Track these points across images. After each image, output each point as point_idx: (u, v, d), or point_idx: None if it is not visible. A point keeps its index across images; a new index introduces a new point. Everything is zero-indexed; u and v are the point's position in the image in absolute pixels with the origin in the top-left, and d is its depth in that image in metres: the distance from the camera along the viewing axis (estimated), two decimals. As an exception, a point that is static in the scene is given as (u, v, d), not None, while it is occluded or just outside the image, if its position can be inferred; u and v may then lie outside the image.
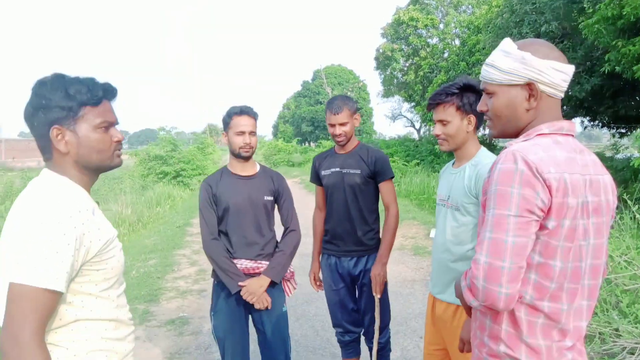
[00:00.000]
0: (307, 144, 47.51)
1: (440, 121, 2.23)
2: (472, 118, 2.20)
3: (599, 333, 3.33)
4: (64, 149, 1.38)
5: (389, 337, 3.10)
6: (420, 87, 22.14)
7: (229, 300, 2.67)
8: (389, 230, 2.92)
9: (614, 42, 8.10)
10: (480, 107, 1.50)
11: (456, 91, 2.17)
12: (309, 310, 4.89)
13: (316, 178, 3.17)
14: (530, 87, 1.35)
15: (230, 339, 2.69)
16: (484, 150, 2.26)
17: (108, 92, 1.44)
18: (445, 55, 21.75)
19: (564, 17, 10.27)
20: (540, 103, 1.36)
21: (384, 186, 2.98)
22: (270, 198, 2.76)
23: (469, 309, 1.50)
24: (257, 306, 2.60)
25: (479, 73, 1.51)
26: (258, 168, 2.83)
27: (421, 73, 22.00)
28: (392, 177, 3.00)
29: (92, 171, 1.45)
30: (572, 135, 1.38)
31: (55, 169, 1.41)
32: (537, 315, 1.30)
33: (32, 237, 1.22)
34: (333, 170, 3.03)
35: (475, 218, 2.12)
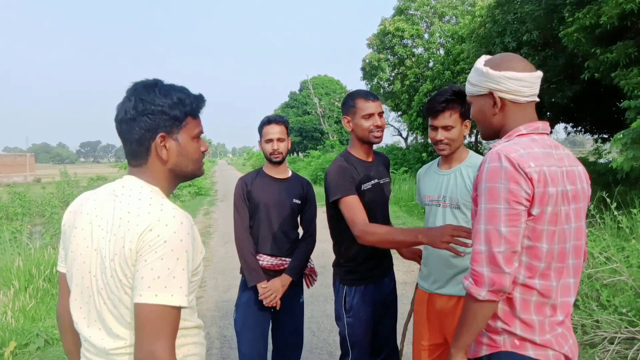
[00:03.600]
0: (295, 154, 47.67)
1: (445, 127, 2.32)
2: (468, 123, 2.35)
3: (581, 325, 3.51)
4: (165, 156, 1.37)
5: None
6: (407, 96, 22.45)
7: (252, 297, 2.85)
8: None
9: (592, 50, 8.41)
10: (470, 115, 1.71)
11: (454, 97, 2.30)
12: (304, 313, 5.02)
13: (354, 187, 2.44)
14: (492, 95, 1.55)
15: (248, 333, 2.86)
16: (473, 153, 2.44)
17: (203, 104, 1.47)
18: (431, 64, 22.13)
19: (545, 26, 10.60)
20: (505, 108, 1.55)
21: None
22: (298, 202, 2.95)
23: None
24: (265, 302, 2.77)
25: (464, 81, 1.74)
26: (290, 173, 3.04)
27: (407, 82, 22.32)
28: None
29: (180, 180, 1.46)
30: (547, 134, 1.56)
31: (144, 177, 1.38)
32: (531, 293, 1.47)
33: (159, 256, 1.22)
34: (373, 182, 2.55)
35: None
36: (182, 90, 1.41)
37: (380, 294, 2.62)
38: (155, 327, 1.20)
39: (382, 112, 2.54)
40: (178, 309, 1.24)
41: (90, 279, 1.33)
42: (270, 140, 2.87)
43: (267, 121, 2.91)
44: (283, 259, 2.88)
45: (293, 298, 2.93)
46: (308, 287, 3.12)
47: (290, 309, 2.94)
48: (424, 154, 17.52)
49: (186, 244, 1.26)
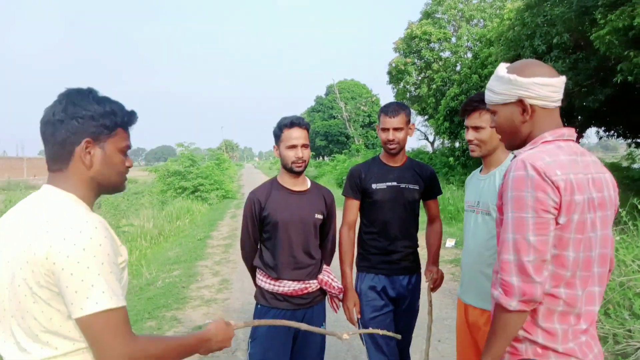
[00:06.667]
0: (321, 158, 47.77)
1: (475, 127, 2.31)
2: None
3: (613, 334, 3.44)
4: (89, 162, 1.36)
5: None
6: (433, 100, 22.28)
7: (271, 327, 2.45)
8: (439, 237, 2.96)
9: (625, 53, 8.19)
10: (490, 124, 1.69)
11: None
12: (329, 317, 5.03)
13: (357, 191, 2.85)
14: (521, 103, 1.53)
15: None
16: (512, 156, 2.35)
17: (135, 119, 1.48)
18: (458, 68, 21.92)
19: (576, 28, 10.38)
20: (535, 115, 1.53)
21: (434, 202, 2.95)
22: (321, 217, 2.63)
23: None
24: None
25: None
26: (309, 184, 2.69)
27: (434, 86, 22.16)
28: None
29: (101, 190, 1.44)
30: (573, 140, 1.54)
31: (61, 183, 1.36)
32: (557, 302, 1.45)
33: (85, 265, 1.19)
34: (389, 184, 2.79)
35: None
36: (117, 103, 1.43)
37: (393, 289, 2.81)
38: (110, 332, 1.20)
39: (399, 128, 2.77)
40: (122, 308, 1.24)
41: (3, 292, 1.29)
42: (294, 147, 2.51)
43: (290, 124, 2.52)
44: (308, 282, 2.57)
45: (315, 325, 2.52)
46: (335, 311, 2.81)
47: (312, 342, 2.60)
48: (451, 159, 17.32)
49: (106, 246, 1.24)
